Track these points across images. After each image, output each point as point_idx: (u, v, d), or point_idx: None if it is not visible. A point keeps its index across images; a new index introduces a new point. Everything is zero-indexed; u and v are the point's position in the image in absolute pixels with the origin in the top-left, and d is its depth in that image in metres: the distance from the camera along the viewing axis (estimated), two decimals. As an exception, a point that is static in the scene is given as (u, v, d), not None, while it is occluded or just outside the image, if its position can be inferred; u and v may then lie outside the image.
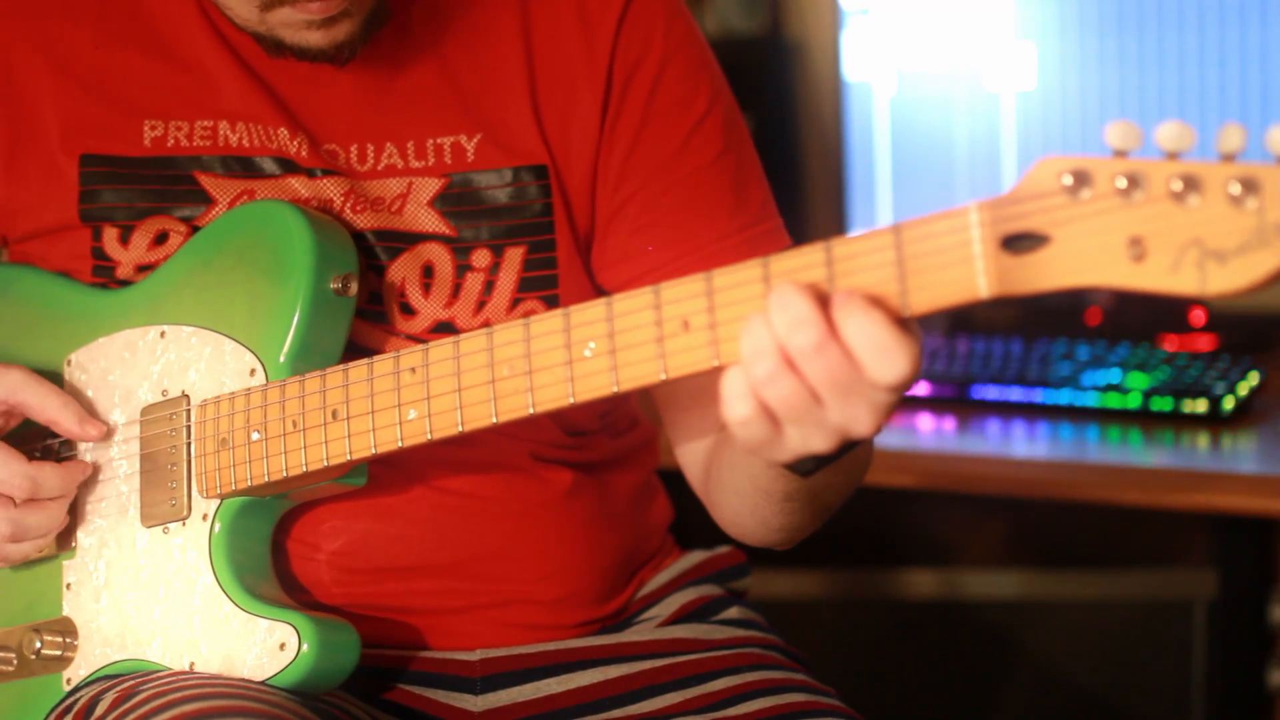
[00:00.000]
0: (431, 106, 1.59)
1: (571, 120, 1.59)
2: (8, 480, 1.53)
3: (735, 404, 1.22)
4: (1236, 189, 1.05)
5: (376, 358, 1.44)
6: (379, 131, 1.58)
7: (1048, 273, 1.11)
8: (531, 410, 1.33)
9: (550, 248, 1.58)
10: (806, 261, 1.19)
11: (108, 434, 1.57)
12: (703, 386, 1.34)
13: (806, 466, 1.31)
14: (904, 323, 1.18)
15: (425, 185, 1.57)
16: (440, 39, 1.60)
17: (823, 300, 1.19)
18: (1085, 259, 1.09)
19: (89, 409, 1.59)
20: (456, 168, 1.57)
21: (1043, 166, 1.11)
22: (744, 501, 1.51)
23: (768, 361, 1.19)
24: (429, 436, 1.39)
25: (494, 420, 1.36)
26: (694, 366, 1.25)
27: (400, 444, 1.41)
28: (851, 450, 1.28)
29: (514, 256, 1.58)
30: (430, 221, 1.57)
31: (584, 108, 1.59)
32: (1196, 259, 1.06)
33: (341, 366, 1.46)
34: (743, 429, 1.23)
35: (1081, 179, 1.09)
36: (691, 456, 1.63)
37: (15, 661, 1.60)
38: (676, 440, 1.64)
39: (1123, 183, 1.08)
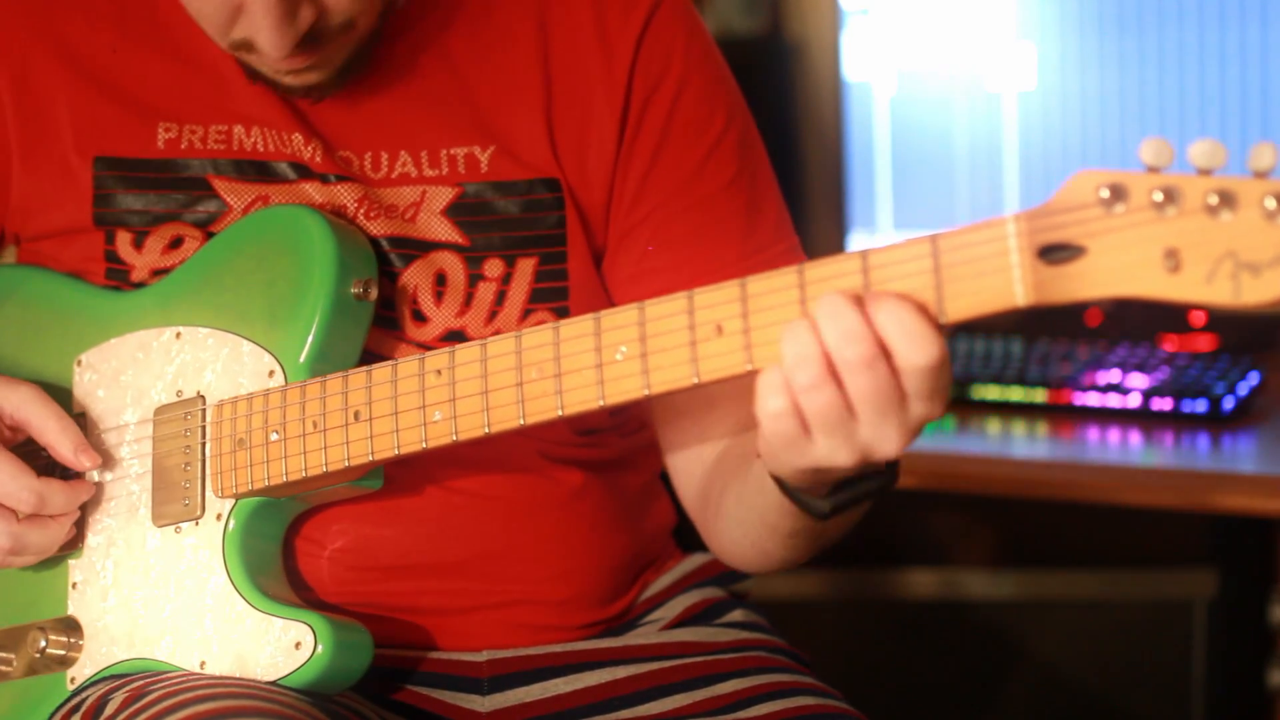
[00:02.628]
0: (446, 117, 1.59)
1: (588, 136, 1.59)
2: (15, 494, 1.52)
3: (770, 399, 1.23)
4: (1271, 204, 1.08)
5: (400, 360, 1.44)
6: (393, 140, 1.59)
7: (1083, 283, 1.13)
8: (560, 413, 1.34)
9: (562, 259, 1.59)
10: (842, 269, 1.21)
11: (102, 464, 1.57)
12: (703, 396, 1.35)
13: (821, 509, 1.35)
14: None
15: (438, 194, 1.57)
16: (457, 49, 1.60)
17: (861, 307, 1.21)
18: (1121, 270, 1.12)
19: (100, 409, 1.59)
20: (470, 178, 1.58)
21: (1079, 179, 1.13)
22: (746, 533, 1.52)
23: (811, 369, 1.21)
24: (454, 438, 1.40)
25: (521, 422, 1.36)
26: (728, 370, 1.26)
27: (425, 445, 1.42)
28: (875, 494, 1.33)
29: (526, 267, 1.58)
30: (443, 230, 1.57)
31: (601, 125, 1.59)
32: (1231, 271, 1.09)
33: (364, 368, 1.46)
34: (774, 422, 1.25)
35: (1118, 193, 1.11)
36: (686, 475, 1.64)
37: (15, 662, 1.60)
38: (670, 447, 1.65)
39: (1159, 197, 1.10)
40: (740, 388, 1.30)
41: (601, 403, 1.32)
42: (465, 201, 1.57)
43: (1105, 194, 1.11)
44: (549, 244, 1.58)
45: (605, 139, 1.59)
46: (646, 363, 1.29)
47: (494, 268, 1.57)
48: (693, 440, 1.62)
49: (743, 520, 1.51)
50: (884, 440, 1.24)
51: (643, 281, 1.59)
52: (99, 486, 1.58)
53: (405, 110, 1.59)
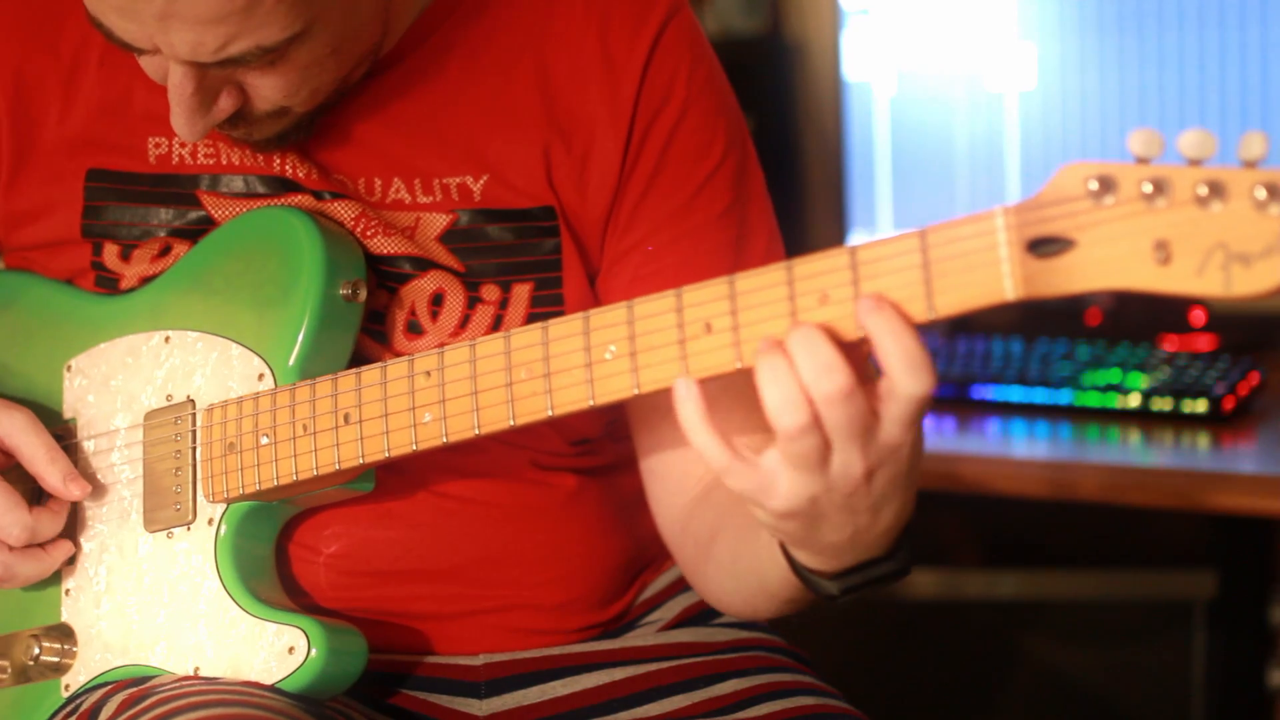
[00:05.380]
0: (439, 145, 1.57)
1: (590, 162, 1.56)
2: (7, 528, 1.52)
3: (785, 414, 1.22)
4: (1261, 194, 1.07)
5: (390, 361, 1.43)
6: (385, 167, 1.57)
7: (1073, 276, 1.12)
8: (550, 413, 1.33)
9: (557, 284, 1.57)
10: (830, 265, 1.20)
11: (91, 492, 1.56)
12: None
13: (829, 591, 1.35)
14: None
15: (433, 220, 1.56)
16: (453, 76, 1.58)
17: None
18: (1111, 262, 1.11)
19: (91, 414, 1.59)
20: (463, 204, 1.56)
21: (1067, 172, 1.12)
22: (739, 589, 1.51)
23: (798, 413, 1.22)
24: (444, 440, 1.39)
25: (511, 423, 1.35)
26: (717, 368, 1.25)
27: (415, 447, 1.41)
28: (887, 579, 1.35)
29: (521, 292, 1.56)
30: (439, 255, 1.56)
31: (604, 150, 1.56)
32: (1221, 262, 1.08)
33: (353, 370, 1.45)
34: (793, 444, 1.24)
35: (1107, 184, 1.11)
36: (664, 491, 1.61)
37: (10, 670, 1.59)
38: (646, 452, 1.62)
39: (1149, 188, 1.09)
40: (727, 395, 1.30)
41: (591, 402, 1.31)
42: (459, 229, 1.56)
43: (1094, 186, 1.11)
44: (544, 269, 1.56)
45: (608, 165, 1.57)
46: (636, 361, 1.29)
47: (490, 293, 1.56)
48: (669, 446, 1.59)
49: (737, 576, 1.50)
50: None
51: None
52: (90, 494, 1.57)
53: (398, 138, 1.57)
